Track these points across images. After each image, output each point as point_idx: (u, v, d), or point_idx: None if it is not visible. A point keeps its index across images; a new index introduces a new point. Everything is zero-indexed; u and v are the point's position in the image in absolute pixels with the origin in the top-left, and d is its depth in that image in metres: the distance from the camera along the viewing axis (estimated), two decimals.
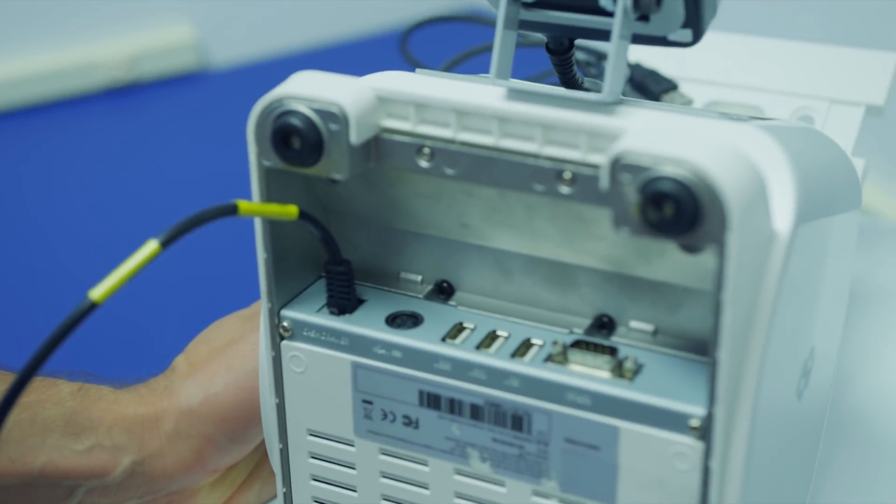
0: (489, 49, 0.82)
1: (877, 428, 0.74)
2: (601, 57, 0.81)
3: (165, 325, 1.20)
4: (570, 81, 0.60)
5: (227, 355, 0.63)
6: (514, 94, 0.52)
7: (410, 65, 0.91)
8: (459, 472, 0.55)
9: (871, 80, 0.75)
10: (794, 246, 0.49)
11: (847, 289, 0.63)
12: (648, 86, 0.78)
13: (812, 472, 0.63)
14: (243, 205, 0.50)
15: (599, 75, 0.80)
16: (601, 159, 0.47)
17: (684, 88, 0.78)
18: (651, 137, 0.46)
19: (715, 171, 0.45)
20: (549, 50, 0.58)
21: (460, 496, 0.55)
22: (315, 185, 0.56)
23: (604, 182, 0.47)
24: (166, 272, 1.13)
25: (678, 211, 0.45)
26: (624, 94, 0.78)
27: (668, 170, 0.45)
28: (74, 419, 0.61)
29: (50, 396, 0.62)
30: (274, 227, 0.54)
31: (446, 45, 0.95)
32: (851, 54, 0.76)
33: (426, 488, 0.56)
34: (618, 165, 0.46)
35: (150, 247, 0.47)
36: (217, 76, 1.61)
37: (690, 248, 0.48)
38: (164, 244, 0.48)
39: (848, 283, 0.63)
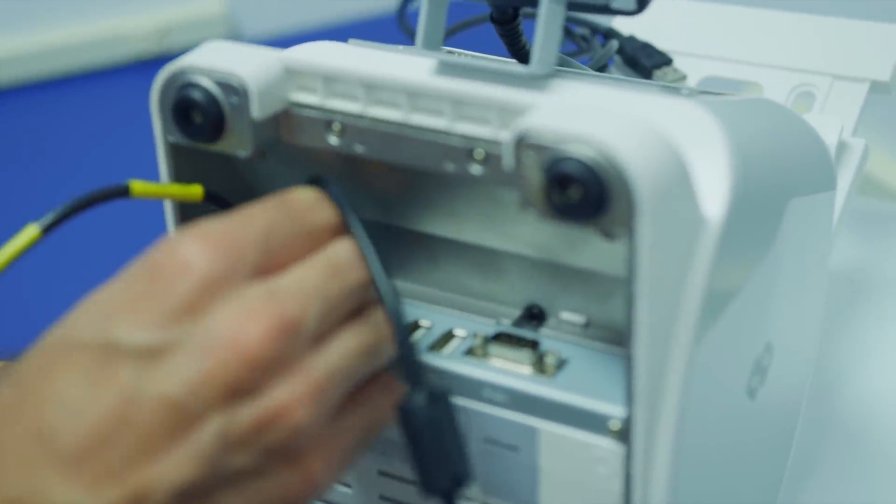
0: (480, 21, 0.79)
1: (877, 424, 0.69)
2: (596, 31, 0.77)
3: None
4: (518, 53, 0.56)
5: None
6: (434, 67, 0.48)
7: (409, 37, 0.87)
8: (383, 472, 0.51)
9: (876, 55, 0.70)
10: (730, 233, 0.45)
11: (823, 277, 0.59)
12: (640, 60, 0.73)
13: (782, 475, 0.59)
14: (137, 185, 0.47)
15: (591, 50, 0.76)
16: (507, 137, 0.43)
17: (679, 63, 0.73)
18: (559, 114, 0.42)
19: (622, 150, 0.41)
20: (493, 20, 0.54)
21: (384, 498, 0.52)
22: (236, 165, 0.53)
23: (508, 161, 0.43)
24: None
25: (583, 194, 0.41)
26: (614, 69, 0.74)
27: (573, 149, 0.41)
28: None
29: None
30: (185, 209, 0.51)
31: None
32: (855, 27, 0.71)
33: (349, 487, 0.52)
34: (521, 144, 0.42)
35: (29, 232, 0.44)
36: None
37: (605, 234, 0.44)
38: (46, 229, 0.45)
39: (823, 271, 0.58)
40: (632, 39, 0.75)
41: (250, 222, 0.44)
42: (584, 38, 0.78)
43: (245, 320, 0.41)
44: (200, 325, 0.41)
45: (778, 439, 0.58)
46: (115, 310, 0.42)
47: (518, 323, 0.50)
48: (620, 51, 0.74)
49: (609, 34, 0.76)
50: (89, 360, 0.41)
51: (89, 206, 0.46)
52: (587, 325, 0.49)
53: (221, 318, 0.41)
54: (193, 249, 0.42)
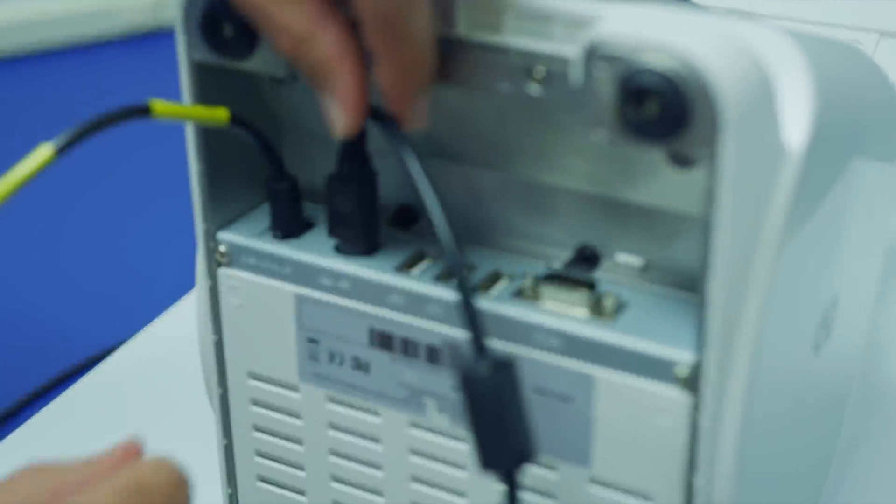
0: None
1: None
2: None
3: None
4: None
5: None
6: None
7: None
8: (415, 425, 0.47)
9: None
10: (811, 165, 0.41)
11: (881, 249, 0.55)
12: None
13: (835, 443, 0.55)
14: (159, 105, 0.42)
15: None
16: (576, 51, 0.40)
17: None
18: (634, 23, 0.39)
19: (707, 61, 0.37)
20: None
21: (415, 452, 0.48)
22: (264, 94, 0.49)
23: (576, 76, 0.39)
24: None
25: (662, 109, 0.37)
26: None
27: (651, 59, 0.37)
28: None
29: None
30: (209, 135, 0.47)
31: None
32: None
33: (378, 442, 0.48)
34: (593, 55, 0.38)
35: (43, 153, 0.40)
36: None
37: (680, 160, 0.40)
38: (60, 150, 0.41)
39: (882, 243, 0.55)
40: None
41: None
42: None
43: None
44: None
45: (833, 405, 0.54)
46: None
47: (569, 265, 0.46)
48: None
49: None
50: None
51: (107, 126, 0.42)
52: (645, 268, 0.45)
53: None
54: None
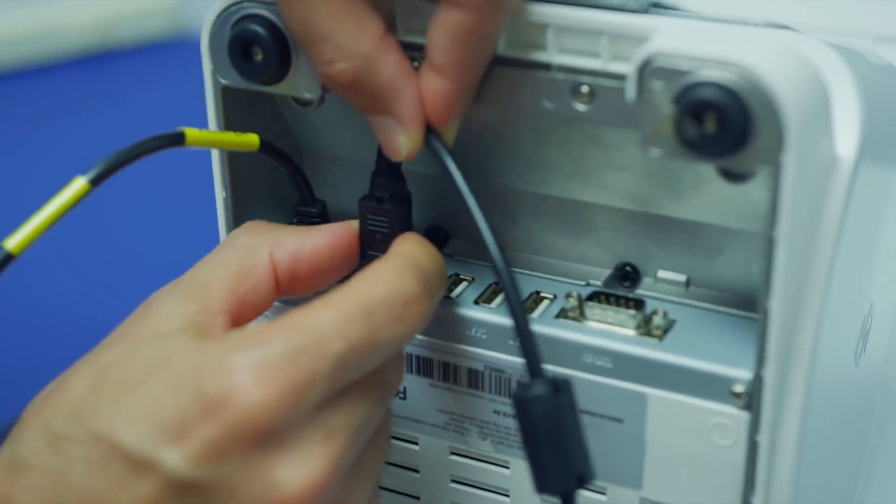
0: None
1: None
2: None
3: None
4: None
5: None
6: None
7: None
8: (455, 452, 0.46)
9: None
10: (859, 174, 0.40)
11: None
12: None
13: (864, 451, 0.55)
14: (192, 133, 0.41)
15: None
16: (627, 68, 0.39)
17: None
18: (690, 37, 0.38)
19: (770, 74, 0.36)
20: None
21: (457, 480, 0.47)
22: (287, 116, 0.48)
23: (630, 93, 0.38)
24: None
25: (723, 124, 0.37)
26: None
27: (711, 74, 0.37)
28: None
29: None
30: (234, 161, 0.46)
31: None
32: None
33: (416, 471, 0.47)
34: (648, 70, 0.38)
35: (77, 185, 0.39)
36: (199, 43, 1.46)
37: (735, 175, 0.39)
38: (95, 182, 0.39)
39: None
40: (657, 5, 0.71)
41: (323, 348, 0.38)
42: None
43: (299, 475, 0.38)
44: (249, 470, 0.38)
45: (865, 416, 0.54)
46: (162, 425, 0.37)
47: (609, 283, 0.45)
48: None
49: None
50: (123, 467, 0.37)
51: (141, 156, 0.41)
52: (688, 284, 0.45)
53: (272, 469, 0.38)
54: (251, 389, 0.37)
